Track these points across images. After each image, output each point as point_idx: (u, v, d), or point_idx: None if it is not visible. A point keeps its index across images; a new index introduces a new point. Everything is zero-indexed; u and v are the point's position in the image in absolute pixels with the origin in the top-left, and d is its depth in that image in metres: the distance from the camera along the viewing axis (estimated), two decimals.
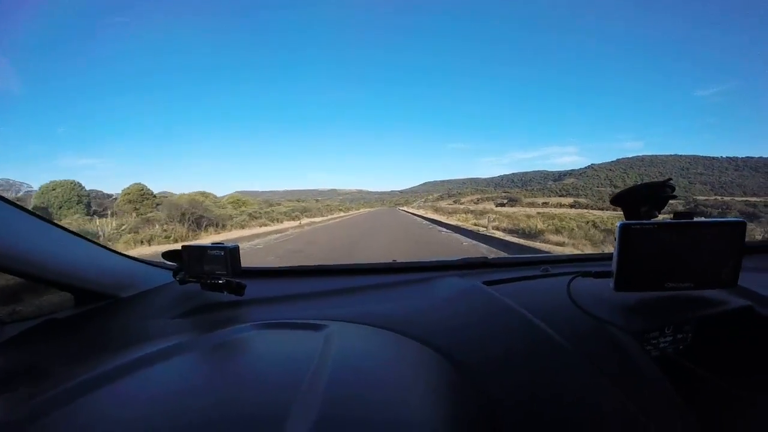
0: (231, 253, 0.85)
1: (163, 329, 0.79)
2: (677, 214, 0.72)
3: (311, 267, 1.23)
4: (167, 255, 0.97)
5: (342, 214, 42.89)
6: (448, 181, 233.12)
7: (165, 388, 0.51)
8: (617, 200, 0.78)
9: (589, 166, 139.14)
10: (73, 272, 0.84)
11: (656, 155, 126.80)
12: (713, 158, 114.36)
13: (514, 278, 1.02)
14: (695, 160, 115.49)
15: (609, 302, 0.76)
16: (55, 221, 0.85)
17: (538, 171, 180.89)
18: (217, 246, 0.86)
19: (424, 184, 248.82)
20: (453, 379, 0.60)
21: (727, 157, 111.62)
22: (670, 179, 0.75)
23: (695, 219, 0.72)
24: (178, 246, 0.99)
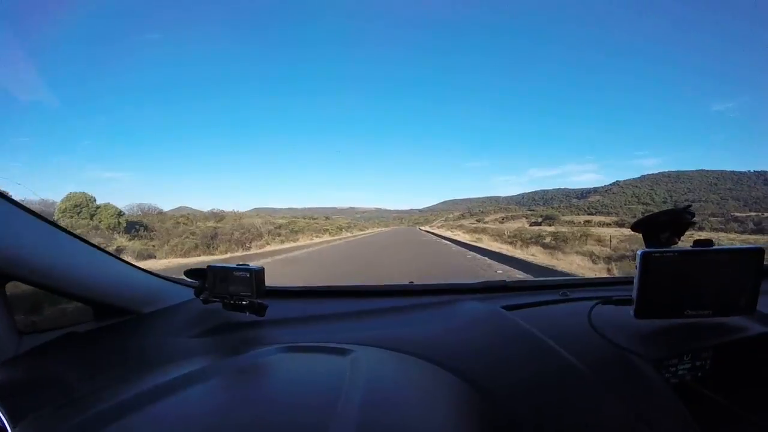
0: (256, 274, 0.86)
1: (185, 349, 0.80)
2: (697, 242, 0.74)
3: (330, 288, 1.23)
4: (190, 273, 0.99)
5: (343, 235, 34.52)
6: (468, 200, 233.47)
7: (196, 414, 0.52)
8: (638, 226, 0.80)
9: (614, 182, 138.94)
10: (94, 286, 0.84)
11: (682, 171, 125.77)
12: (741, 173, 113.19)
13: (533, 303, 1.03)
14: (723, 175, 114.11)
15: (629, 329, 0.77)
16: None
17: (560, 189, 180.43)
18: (242, 267, 0.87)
19: (443, 202, 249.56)
20: (476, 405, 0.62)
21: (755, 171, 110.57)
22: (690, 206, 0.76)
23: (714, 246, 0.73)
24: (201, 264, 1.00)
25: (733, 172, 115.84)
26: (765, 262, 0.74)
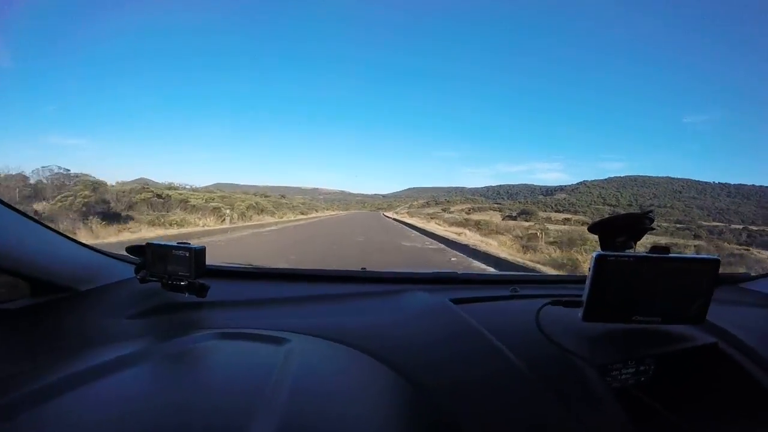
0: (196, 254, 0.82)
1: (121, 329, 0.77)
2: (654, 248, 0.71)
3: (278, 270, 1.20)
4: (131, 249, 0.93)
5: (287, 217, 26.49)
6: (433, 189, 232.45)
7: (123, 397, 0.51)
8: (594, 228, 0.78)
9: (581, 182, 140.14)
10: (29, 260, 0.78)
11: (648, 176, 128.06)
12: (705, 183, 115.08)
13: (482, 297, 1.01)
14: (688, 184, 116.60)
15: (575, 332, 0.76)
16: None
17: (525, 185, 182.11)
18: (182, 246, 0.83)
19: (408, 189, 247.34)
20: (411, 400, 0.60)
21: (719, 183, 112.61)
22: (651, 211, 0.75)
23: (671, 254, 0.71)
24: (143, 241, 0.94)
25: (697, 182, 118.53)
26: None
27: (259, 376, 0.57)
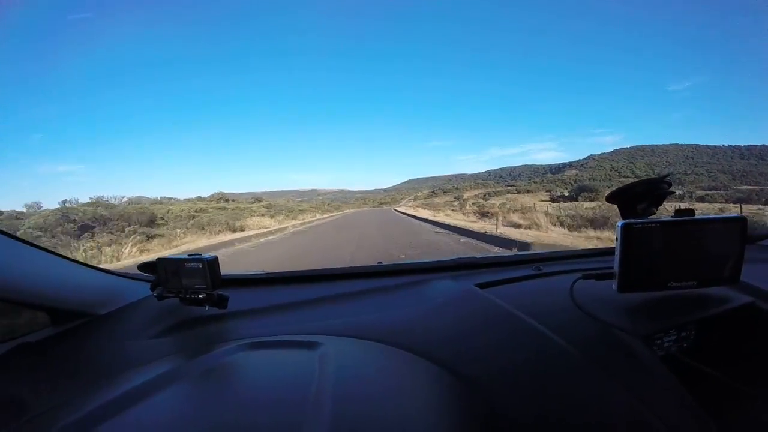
0: (210, 265, 0.81)
1: (146, 349, 0.75)
2: (678, 212, 0.71)
3: (292, 273, 1.16)
4: (143, 267, 0.92)
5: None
6: (433, 178, 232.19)
7: (167, 421, 0.49)
8: (613, 197, 0.76)
9: (588, 156, 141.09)
10: (45, 291, 0.77)
11: (656, 144, 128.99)
12: (716, 147, 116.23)
13: (507, 279, 0.98)
14: (698, 149, 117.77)
15: (612, 304, 0.74)
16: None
17: (527, 165, 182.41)
18: (194, 258, 0.82)
19: (408, 181, 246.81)
20: (458, 393, 0.58)
21: (729, 145, 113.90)
22: (668, 175, 0.73)
23: (696, 216, 0.70)
24: (153, 257, 0.92)
25: (707, 146, 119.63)
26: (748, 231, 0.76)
27: (298, 385, 0.55)
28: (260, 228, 16.75)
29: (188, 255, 0.83)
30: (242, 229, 15.96)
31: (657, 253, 0.69)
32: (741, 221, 0.71)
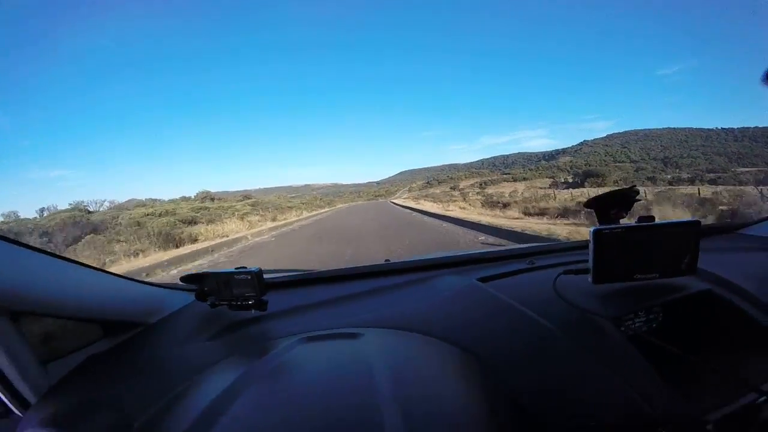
0: (257, 276, 0.91)
1: (207, 351, 0.81)
2: (641, 218, 0.83)
3: (309, 274, 1.24)
4: (186, 279, 1.01)
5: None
6: (425, 169, 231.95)
7: (269, 416, 0.53)
8: (590, 205, 0.89)
9: (582, 142, 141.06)
10: (99, 305, 0.84)
11: (649, 129, 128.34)
12: (709, 130, 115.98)
13: (504, 273, 1.07)
14: (692, 132, 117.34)
15: (588, 293, 0.85)
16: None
17: (520, 153, 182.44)
18: (243, 271, 0.91)
19: (401, 173, 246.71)
20: (479, 369, 0.67)
21: (722, 128, 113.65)
22: (634, 185, 0.89)
23: (656, 222, 0.82)
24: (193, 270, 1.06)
25: (700, 129, 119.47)
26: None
27: (360, 372, 0.61)
28: (216, 237, 12.58)
29: (235, 269, 0.92)
30: (194, 240, 12.07)
31: (623, 251, 0.82)
32: (695, 224, 0.83)
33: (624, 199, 0.87)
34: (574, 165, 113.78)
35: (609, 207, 0.87)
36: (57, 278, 0.76)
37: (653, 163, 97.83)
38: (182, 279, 1.02)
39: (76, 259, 0.83)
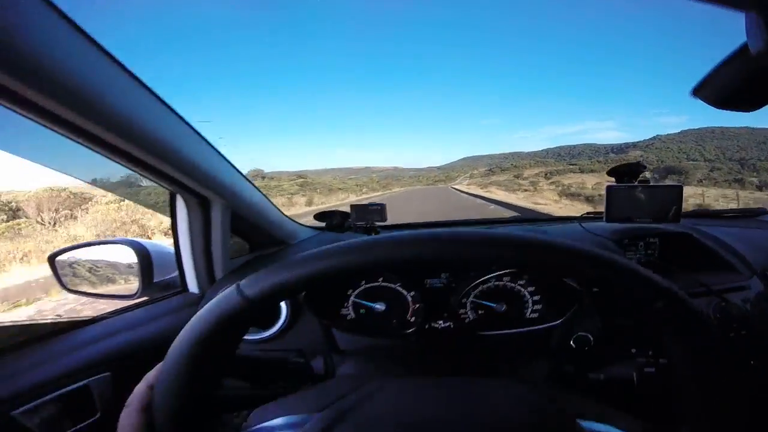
0: (383, 207, 1.29)
1: None
2: (640, 181, 1.14)
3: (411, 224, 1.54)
4: (318, 216, 1.35)
5: None
6: (488, 156, 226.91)
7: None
8: (611, 172, 1.17)
9: (654, 137, 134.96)
10: (275, 224, 1.18)
11: (726, 127, 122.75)
12: None
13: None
14: None
15: (603, 229, 1.17)
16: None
17: (587, 144, 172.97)
18: (375, 204, 1.29)
19: (463, 159, 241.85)
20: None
21: None
22: (640, 161, 1.16)
23: (650, 184, 1.12)
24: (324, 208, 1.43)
25: None
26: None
27: None
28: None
29: (369, 203, 1.29)
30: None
31: (625, 201, 1.12)
32: (678, 188, 1.12)
33: (632, 169, 1.13)
34: (645, 160, 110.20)
35: (622, 175, 1.14)
36: (259, 206, 1.09)
37: (729, 164, 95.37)
38: (316, 216, 1.34)
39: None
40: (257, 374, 0.56)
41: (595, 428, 0.38)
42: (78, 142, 0.64)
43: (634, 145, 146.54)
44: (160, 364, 0.41)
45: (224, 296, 0.39)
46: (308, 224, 1.38)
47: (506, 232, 0.39)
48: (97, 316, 0.85)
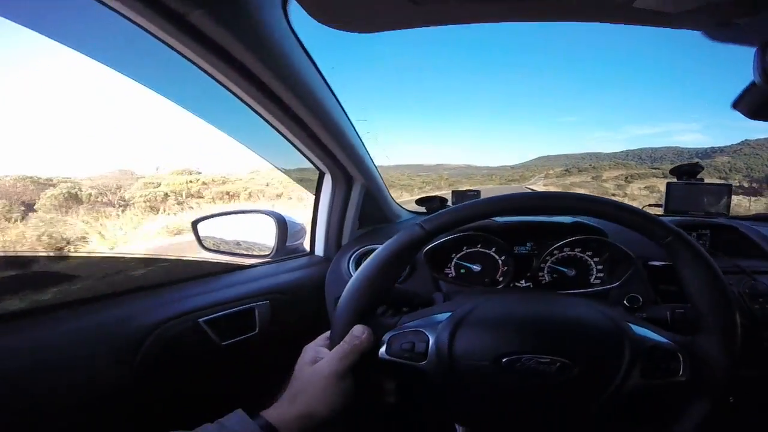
0: (479, 192, 1.33)
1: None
2: (697, 179, 1.25)
3: None
4: (419, 201, 1.45)
5: None
6: (564, 156, 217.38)
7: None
8: (672, 171, 1.29)
9: (743, 142, 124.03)
10: (386, 206, 1.38)
11: None
12: None
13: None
14: None
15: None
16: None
17: (670, 147, 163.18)
18: (472, 190, 1.40)
19: (539, 158, 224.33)
20: None
21: None
22: (698, 162, 1.30)
23: (704, 180, 1.25)
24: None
25: None
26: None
27: None
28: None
29: (467, 189, 1.37)
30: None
31: (681, 196, 1.23)
32: (728, 186, 1.21)
33: (692, 168, 1.25)
34: (733, 167, 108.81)
35: (683, 173, 1.25)
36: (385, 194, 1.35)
37: None
38: (416, 201, 1.46)
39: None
40: (396, 301, 0.74)
41: (639, 330, 0.54)
42: (284, 136, 0.97)
43: (721, 150, 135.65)
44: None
45: (408, 229, 0.57)
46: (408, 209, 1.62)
47: (587, 194, 0.59)
48: (254, 263, 1.12)
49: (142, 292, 0.86)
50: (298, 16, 0.68)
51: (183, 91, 0.85)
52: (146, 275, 1.26)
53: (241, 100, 0.83)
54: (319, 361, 0.56)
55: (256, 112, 0.87)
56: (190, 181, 23.86)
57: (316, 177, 1.25)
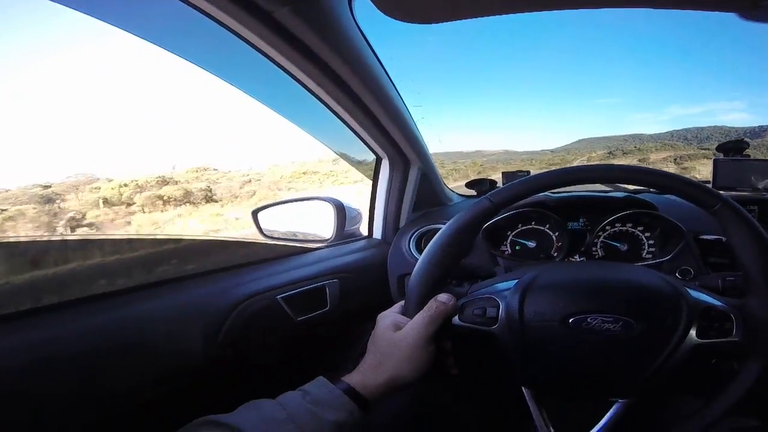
0: (528, 173, 1.23)
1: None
2: (743, 155, 1.19)
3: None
4: (468, 184, 1.45)
5: None
6: (605, 138, 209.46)
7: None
8: (719, 148, 1.22)
9: None
10: (439, 188, 1.39)
11: None
12: None
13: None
14: None
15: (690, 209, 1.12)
16: None
17: (717, 126, 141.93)
18: (522, 171, 1.33)
19: (579, 141, 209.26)
20: None
21: None
22: (743, 139, 1.19)
23: (751, 157, 1.19)
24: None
25: None
26: None
27: None
28: None
29: (517, 171, 1.31)
30: None
31: (728, 172, 1.18)
32: None
33: (738, 145, 1.20)
34: None
35: (729, 150, 1.19)
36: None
37: None
38: (466, 185, 1.45)
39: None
40: (461, 274, 0.78)
41: (694, 293, 0.57)
42: (347, 124, 1.03)
43: None
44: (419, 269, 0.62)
45: (477, 203, 0.61)
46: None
47: (640, 166, 0.84)
48: (318, 246, 1.18)
49: (223, 272, 0.92)
50: (360, 8, 0.73)
51: (258, 84, 0.92)
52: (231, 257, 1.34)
53: (310, 91, 0.87)
54: (401, 328, 0.57)
55: (324, 102, 0.92)
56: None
57: (367, 164, 1.32)
